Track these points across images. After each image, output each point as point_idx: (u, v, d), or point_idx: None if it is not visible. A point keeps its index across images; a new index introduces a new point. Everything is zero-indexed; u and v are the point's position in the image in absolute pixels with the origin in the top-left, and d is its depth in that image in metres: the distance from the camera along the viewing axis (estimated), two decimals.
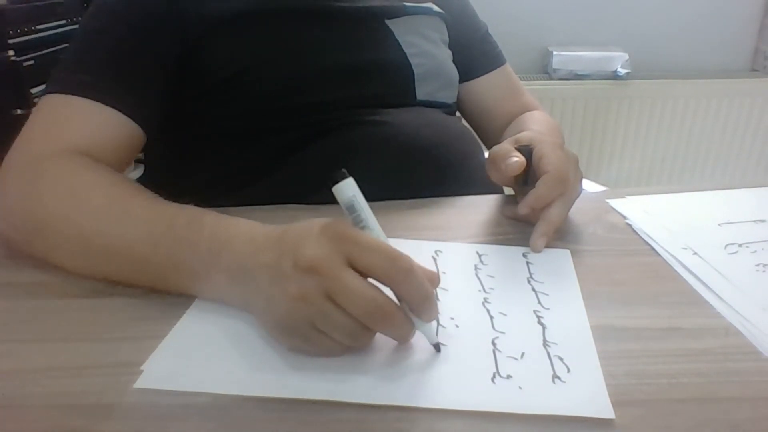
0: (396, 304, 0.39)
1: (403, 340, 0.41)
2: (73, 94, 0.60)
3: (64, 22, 1.45)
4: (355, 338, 0.39)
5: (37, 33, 1.36)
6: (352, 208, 0.40)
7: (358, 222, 0.40)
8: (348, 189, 0.40)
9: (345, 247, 0.38)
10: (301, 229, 0.41)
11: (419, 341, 0.41)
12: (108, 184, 0.53)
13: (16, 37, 1.29)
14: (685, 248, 0.55)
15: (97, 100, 0.60)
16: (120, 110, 0.61)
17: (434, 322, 0.43)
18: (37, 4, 1.40)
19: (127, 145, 0.63)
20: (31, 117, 0.61)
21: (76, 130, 0.59)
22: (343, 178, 0.40)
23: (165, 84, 0.67)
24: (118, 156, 0.61)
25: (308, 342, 0.39)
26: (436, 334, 0.42)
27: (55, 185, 0.53)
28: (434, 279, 0.42)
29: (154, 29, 0.66)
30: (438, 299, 0.46)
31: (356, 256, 0.38)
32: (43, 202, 0.52)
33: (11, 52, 1.26)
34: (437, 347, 0.41)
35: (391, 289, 0.39)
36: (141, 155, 0.77)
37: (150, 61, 0.66)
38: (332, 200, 0.40)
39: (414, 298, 0.39)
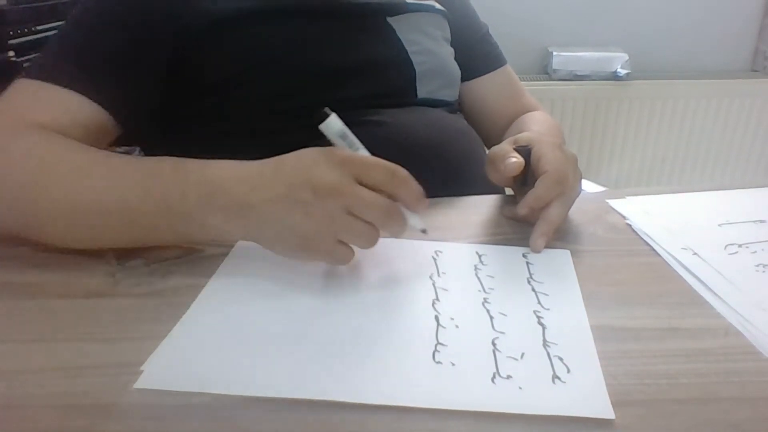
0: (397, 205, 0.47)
1: (400, 233, 0.48)
2: (43, 81, 0.60)
3: (64, 22, 1.45)
4: (372, 241, 0.47)
5: (37, 33, 1.36)
6: (345, 136, 0.49)
7: (352, 147, 0.49)
8: (337, 121, 0.48)
9: (352, 168, 0.46)
10: (300, 161, 0.47)
11: (418, 345, 0.42)
12: (85, 148, 0.54)
13: (16, 38, 1.29)
14: (685, 248, 0.55)
15: (66, 87, 0.60)
16: (89, 97, 0.61)
17: (419, 221, 0.51)
18: (37, 4, 1.40)
19: (95, 133, 0.62)
20: None
21: (42, 110, 0.59)
22: (327, 114, 0.48)
23: (154, 80, 0.67)
24: (85, 142, 0.60)
25: (329, 254, 0.47)
26: (436, 334, 0.43)
27: (30, 152, 0.53)
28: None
29: (145, 26, 0.65)
30: (438, 300, 0.47)
31: (363, 174, 0.46)
32: (22, 169, 0.52)
33: (11, 53, 1.26)
34: (425, 231, 0.51)
35: (391, 195, 0.47)
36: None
37: (132, 52, 0.65)
38: None
39: (411, 199, 0.48)
